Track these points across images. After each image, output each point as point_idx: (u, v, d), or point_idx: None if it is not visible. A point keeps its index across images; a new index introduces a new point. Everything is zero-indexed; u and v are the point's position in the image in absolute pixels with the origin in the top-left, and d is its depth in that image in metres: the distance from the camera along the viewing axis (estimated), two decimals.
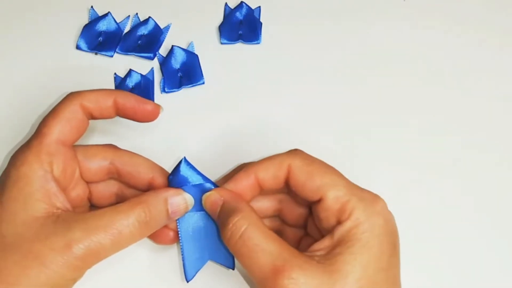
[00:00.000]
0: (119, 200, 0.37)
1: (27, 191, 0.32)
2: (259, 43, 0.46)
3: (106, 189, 0.37)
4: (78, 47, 0.45)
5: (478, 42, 0.47)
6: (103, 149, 0.36)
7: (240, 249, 0.31)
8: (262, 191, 0.35)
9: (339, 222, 0.31)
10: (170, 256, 0.38)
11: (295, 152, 0.34)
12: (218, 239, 0.35)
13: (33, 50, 0.45)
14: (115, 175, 0.36)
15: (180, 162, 0.35)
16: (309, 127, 0.43)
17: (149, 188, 0.35)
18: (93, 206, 0.37)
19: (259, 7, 0.47)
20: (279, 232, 0.36)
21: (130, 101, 0.35)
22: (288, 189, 0.34)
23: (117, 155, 0.36)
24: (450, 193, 0.41)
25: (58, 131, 0.33)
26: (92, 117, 0.35)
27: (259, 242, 0.30)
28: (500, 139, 0.43)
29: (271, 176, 0.33)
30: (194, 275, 0.35)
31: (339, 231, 0.31)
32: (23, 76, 0.44)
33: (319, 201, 0.32)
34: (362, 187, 0.33)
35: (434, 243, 0.39)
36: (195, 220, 0.35)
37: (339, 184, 0.32)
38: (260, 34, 0.46)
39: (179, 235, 0.35)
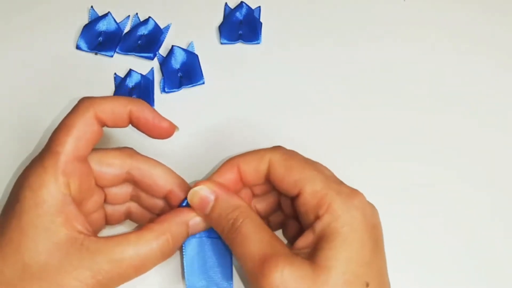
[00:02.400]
0: (134, 200, 0.36)
1: (48, 218, 0.31)
2: (259, 43, 0.46)
3: (121, 191, 0.36)
4: (78, 47, 0.45)
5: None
6: (120, 156, 0.34)
7: (235, 238, 0.32)
8: (244, 186, 0.35)
9: (317, 217, 0.32)
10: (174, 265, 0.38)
11: (277, 147, 0.35)
12: (219, 267, 0.35)
13: (33, 50, 0.45)
14: (133, 182, 0.35)
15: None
16: (309, 127, 0.43)
17: (165, 199, 0.35)
18: (106, 204, 0.36)
19: (259, 7, 0.47)
20: (282, 225, 0.37)
21: (147, 114, 0.34)
22: (269, 183, 0.35)
23: (134, 164, 0.34)
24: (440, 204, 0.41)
25: (73, 147, 0.32)
26: (105, 125, 0.34)
27: (253, 233, 0.32)
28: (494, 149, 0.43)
29: (252, 169, 0.34)
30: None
31: (319, 226, 0.31)
32: (23, 76, 0.44)
33: (298, 195, 0.33)
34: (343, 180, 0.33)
35: (425, 247, 0.39)
36: (199, 245, 0.35)
37: (317, 179, 0.32)
38: (260, 34, 0.46)
39: (183, 254, 0.35)
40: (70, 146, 0.32)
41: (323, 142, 0.42)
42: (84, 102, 0.33)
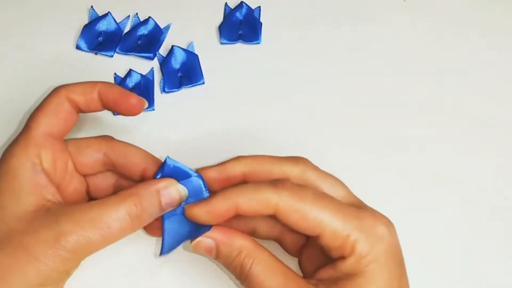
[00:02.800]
0: (117, 191, 0.36)
1: (16, 184, 0.31)
2: (259, 43, 0.46)
3: (103, 181, 0.36)
4: (78, 47, 0.45)
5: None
6: (96, 140, 0.35)
7: (249, 286, 0.31)
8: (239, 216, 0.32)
9: (341, 257, 0.31)
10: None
11: (282, 185, 0.31)
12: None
13: (33, 50, 0.45)
14: (111, 167, 0.35)
15: (164, 161, 0.34)
16: (309, 127, 0.43)
17: (142, 179, 0.34)
18: (91, 199, 0.37)
19: (259, 7, 0.47)
20: (279, 240, 0.36)
21: (113, 92, 0.34)
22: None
23: (110, 146, 0.35)
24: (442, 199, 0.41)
25: (45, 123, 0.33)
26: (80, 110, 0.34)
27: (265, 278, 0.30)
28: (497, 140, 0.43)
29: (253, 211, 0.31)
30: (169, 252, 0.34)
31: (343, 266, 0.30)
32: (23, 76, 0.44)
33: (317, 237, 0.31)
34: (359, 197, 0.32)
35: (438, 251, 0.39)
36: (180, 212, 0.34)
37: (335, 219, 0.30)
38: (260, 34, 0.46)
39: (162, 218, 0.34)
40: (42, 121, 0.33)
41: (323, 142, 0.42)
42: (57, 87, 0.34)
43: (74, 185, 0.35)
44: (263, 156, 0.34)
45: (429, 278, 0.38)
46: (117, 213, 0.31)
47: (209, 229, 0.32)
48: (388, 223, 0.31)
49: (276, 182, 0.31)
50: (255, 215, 0.31)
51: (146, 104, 0.35)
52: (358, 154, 0.42)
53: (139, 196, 0.32)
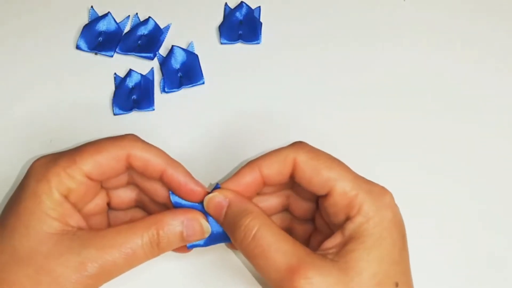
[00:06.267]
0: (138, 205, 0.36)
1: (43, 208, 0.31)
2: (259, 43, 0.46)
3: (125, 195, 0.36)
4: (78, 47, 0.45)
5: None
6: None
7: (254, 250, 0.31)
8: (266, 186, 0.34)
9: (348, 218, 0.31)
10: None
11: (299, 145, 0.33)
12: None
13: (33, 50, 0.45)
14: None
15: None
16: (309, 127, 0.43)
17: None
18: (111, 209, 0.36)
19: (259, 7, 0.47)
20: (288, 229, 0.36)
21: (176, 178, 0.33)
22: (293, 183, 0.34)
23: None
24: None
25: (90, 166, 0.32)
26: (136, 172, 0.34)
27: (273, 242, 0.30)
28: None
29: (275, 172, 0.33)
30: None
31: (350, 227, 0.31)
32: (23, 76, 0.44)
33: (326, 195, 0.32)
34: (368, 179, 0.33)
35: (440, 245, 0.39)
36: None
37: (346, 178, 0.32)
38: (260, 34, 0.46)
39: None
40: (89, 161, 0.32)
41: (323, 142, 0.42)
42: (129, 138, 0.33)
43: (97, 201, 0.35)
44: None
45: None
46: (141, 239, 0.31)
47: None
48: (392, 197, 0.32)
49: (295, 143, 0.33)
50: (277, 177, 0.33)
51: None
52: (358, 152, 0.42)
53: (163, 224, 0.32)
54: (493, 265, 0.39)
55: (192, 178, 0.34)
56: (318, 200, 0.34)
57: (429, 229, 0.39)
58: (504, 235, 0.40)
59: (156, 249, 0.32)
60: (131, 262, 0.31)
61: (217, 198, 0.33)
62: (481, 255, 0.39)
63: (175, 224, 0.32)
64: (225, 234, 0.34)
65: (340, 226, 0.31)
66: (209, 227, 0.33)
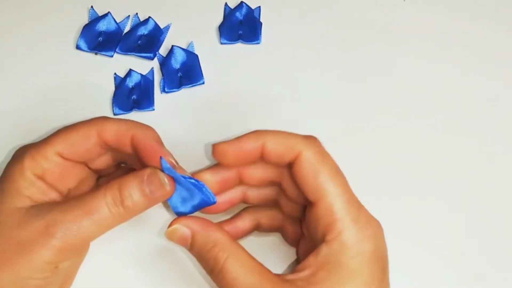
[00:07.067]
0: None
1: (16, 187, 0.32)
2: (259, 43, 0.46)
3: (114, 176, 0.36)
4: (78, 47, 0.45)
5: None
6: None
7: (222, 282, 0.30)
8: (261, 161, 0.33)
9: (325, 239, 0.30)
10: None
11: (312, 141, 0.32)
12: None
13: (33, 50, 0.45)
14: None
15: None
16: (309, 127, 0.43)
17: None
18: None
19: (259, 7, 0.47)
20: (280, 228, 0.36)
21: (145, 143, 0.33)
22: (288, 171, 0.33)
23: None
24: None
25: (62, 147, 0.33)
26: (109, 147, 0.34)
27: (240, 275, 0.29)
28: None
29: (277, 152, 0.31)
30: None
31: (324, 251, 0.30)
32: (22, 76, 0.44)
33: (312, 205, 0.31)
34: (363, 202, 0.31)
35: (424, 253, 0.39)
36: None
37: (339, 196, 0.30)
38: (260, 34, 0.46)
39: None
40: (61, 142, 0.33)
41: (323, 142, 0.42)
42: (95, 119, 0.34)
43: (88, 183, 0.36)
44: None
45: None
46: (104, 198, 0.31)
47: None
48: (380, 228, 0.31)
49: (309, 136, 0.32)
50: (276, 158, 0.32)
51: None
52: (357, 154, 0.42)
53: (124, 181, 0.31)
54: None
55: (160, 142, 0.34)
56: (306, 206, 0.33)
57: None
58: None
59: (121, 208, 0.31)
60: (98, 223, 0.31)
61: (180, 231, 0.32)
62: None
63: (136, 181, 0.32)
64: (205, 200, 0.33)
65: (316, 244, 0.30)
66: (167, 182, 0.32)
